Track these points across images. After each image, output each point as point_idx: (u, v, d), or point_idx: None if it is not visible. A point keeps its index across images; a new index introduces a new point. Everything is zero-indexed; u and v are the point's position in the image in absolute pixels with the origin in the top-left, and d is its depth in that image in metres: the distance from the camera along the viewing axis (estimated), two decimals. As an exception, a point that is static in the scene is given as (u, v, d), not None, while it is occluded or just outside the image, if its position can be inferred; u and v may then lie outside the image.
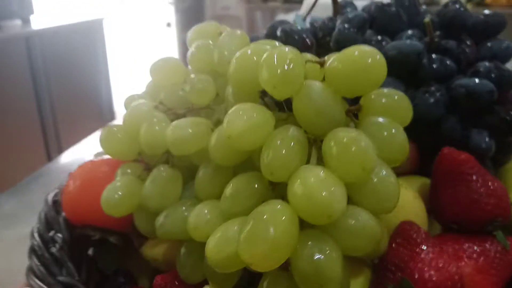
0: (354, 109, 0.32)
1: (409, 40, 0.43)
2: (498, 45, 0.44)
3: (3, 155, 1.70)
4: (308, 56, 0.35)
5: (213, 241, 0.29)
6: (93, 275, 0.41)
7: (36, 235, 0.42)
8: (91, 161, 0.46)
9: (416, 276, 0.32)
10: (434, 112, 0.41)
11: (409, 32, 0.45)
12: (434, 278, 0.32)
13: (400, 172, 0.40)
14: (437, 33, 0.45)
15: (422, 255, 0.33)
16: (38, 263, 0.39)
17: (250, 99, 0.32)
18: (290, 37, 0.44)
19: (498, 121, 0.39)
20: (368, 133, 0.30)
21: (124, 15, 3.01)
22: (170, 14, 3.18)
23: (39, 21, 2.05)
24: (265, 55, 0.30)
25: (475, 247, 0.34)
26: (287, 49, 0.31)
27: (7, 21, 1.88)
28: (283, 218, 0.27)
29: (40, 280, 0.38)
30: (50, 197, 0.47)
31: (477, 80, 0.40)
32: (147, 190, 0.37)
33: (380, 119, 0.31)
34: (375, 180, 0.29)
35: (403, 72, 0.42)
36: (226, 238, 0.29)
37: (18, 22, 1.95)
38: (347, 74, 0.31)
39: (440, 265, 0.33)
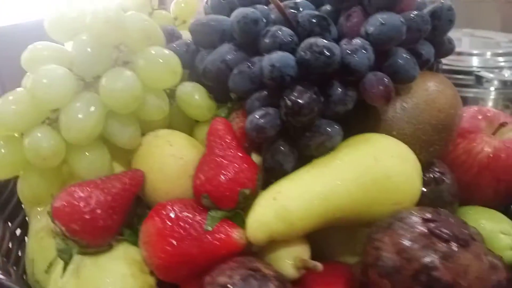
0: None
1: (251, 10, 0.40)
2: (374, 21, 0.37)
3: None
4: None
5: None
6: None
7: None
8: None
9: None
10: (239, 86, 0.39)
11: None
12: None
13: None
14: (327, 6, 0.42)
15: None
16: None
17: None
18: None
19: (284, 100, 0.35)
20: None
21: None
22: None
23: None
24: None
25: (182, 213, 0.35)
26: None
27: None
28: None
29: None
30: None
31: (278, 55, 0.36)
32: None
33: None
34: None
35: (243, 40, 0.41)
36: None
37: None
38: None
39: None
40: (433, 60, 0.43)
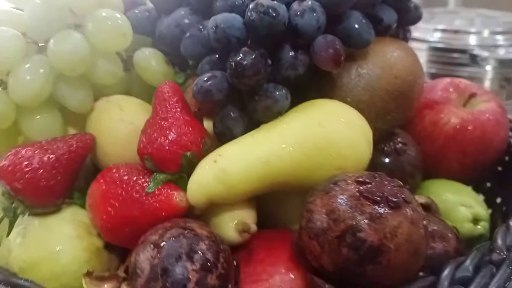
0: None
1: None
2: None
3: None
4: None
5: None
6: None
7: None
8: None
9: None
10: (190, 50, 0.39)
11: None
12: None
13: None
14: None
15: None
16: None
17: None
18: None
19: (229, 62, 0.34)
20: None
21: None
22: None
23: None
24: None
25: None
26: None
27: None
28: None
29: None
30: None
31: (222, 16, 0.35)
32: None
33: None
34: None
35: (198, 5, 0.40)
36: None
37: None
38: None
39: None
40: (394, 26, 0.42)
